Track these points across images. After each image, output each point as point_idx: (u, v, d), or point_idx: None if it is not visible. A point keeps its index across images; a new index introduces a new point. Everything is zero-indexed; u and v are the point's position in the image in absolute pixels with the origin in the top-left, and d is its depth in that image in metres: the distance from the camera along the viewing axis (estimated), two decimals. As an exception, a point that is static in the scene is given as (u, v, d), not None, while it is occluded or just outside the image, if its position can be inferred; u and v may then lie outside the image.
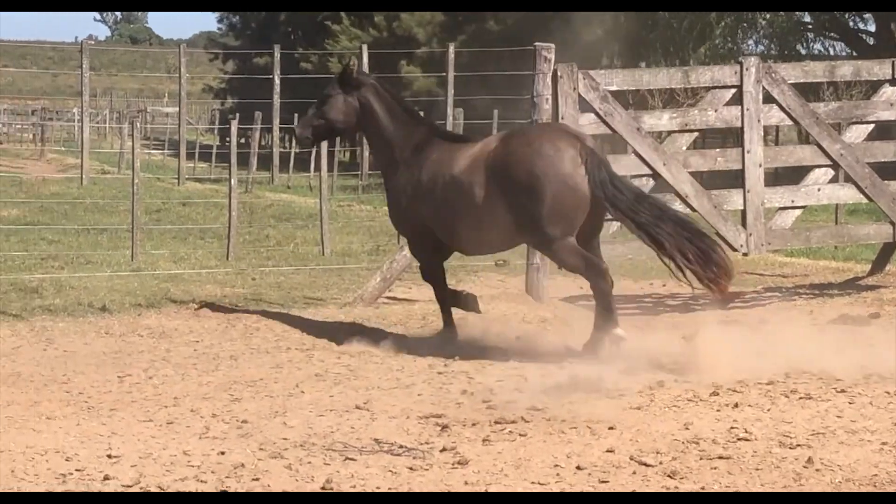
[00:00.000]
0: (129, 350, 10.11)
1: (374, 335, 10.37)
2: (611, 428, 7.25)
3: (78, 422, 7.60)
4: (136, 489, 6.17)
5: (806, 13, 36.62)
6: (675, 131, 12.31)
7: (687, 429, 7.28)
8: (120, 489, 6.17)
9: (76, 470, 6.46)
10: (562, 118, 11.70)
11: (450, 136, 10.81)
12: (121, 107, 56.45)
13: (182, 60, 20.65)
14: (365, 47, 21.24)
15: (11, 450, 6.78)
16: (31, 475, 6.36)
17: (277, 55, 20.25)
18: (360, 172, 30.94)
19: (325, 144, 15.03)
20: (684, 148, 12.34)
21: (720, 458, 6.71)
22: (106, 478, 6.31)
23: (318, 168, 16.88)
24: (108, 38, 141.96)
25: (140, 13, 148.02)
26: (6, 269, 14.11)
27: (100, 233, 17.93)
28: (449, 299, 10.41)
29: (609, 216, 9.90)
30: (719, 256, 9.45)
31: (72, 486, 6.18)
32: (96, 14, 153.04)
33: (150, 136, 49.49)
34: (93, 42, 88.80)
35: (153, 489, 6.18)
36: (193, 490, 6.17)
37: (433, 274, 10.43)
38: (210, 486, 6.22)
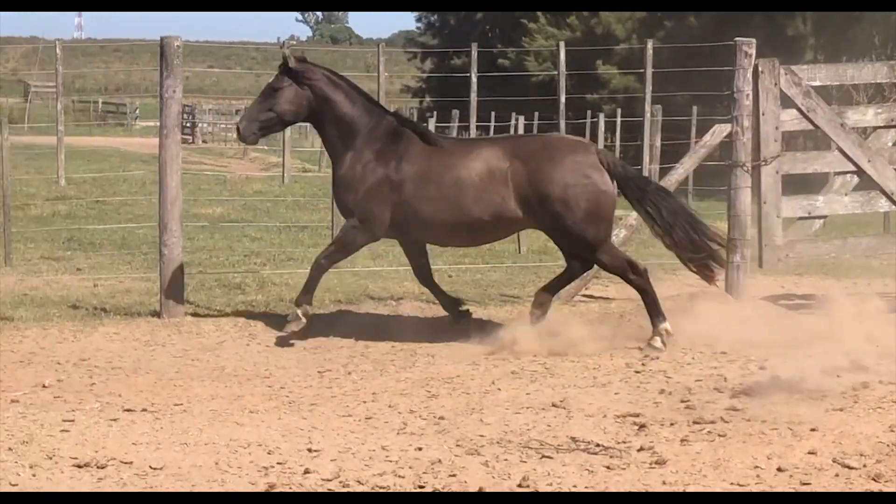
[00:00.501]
0: (328, 346, 10.26)
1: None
2: (813, 429, 7.10)
3: (279, 416, 7.72)
4: (335, 483, 6.25)
5: None
6: (880, 127, 12.01)
7: (892, 431, 7.09)
8: (319, 482, 6.25)
9: (278, 463, 6.56)
10: (763, 114, 11.52)
11: (421, 130, 10.78)
12: (321, 106, 57.23)
13: (380, 60, 20.82)
14: (562, 45, 21.17)
15: (216, 442, 6.92)
16: (235, 467, 6.49)
17: (475, 54, 20.32)
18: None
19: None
20: (890, 144, 12.02)
21: (927, 462, 6.53)
22: (306, 471, 6.40)
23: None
24: (309, 39, 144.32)
25: (340, 13, 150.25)
26: (211, 265, 14.43)
27: (301, 230, 18.21)
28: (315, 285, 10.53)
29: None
30: (716, 253, 10.33)
31: (273, 479, 6.28)
32: (298, 15, 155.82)
33: (350, 135, 50.14)
34: (294, 42, 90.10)
35: (352, 483, 6.25)
36: (391, 485, 6.23)
37: (344, 254, 10.61)
38: (408, 482, 6.27)
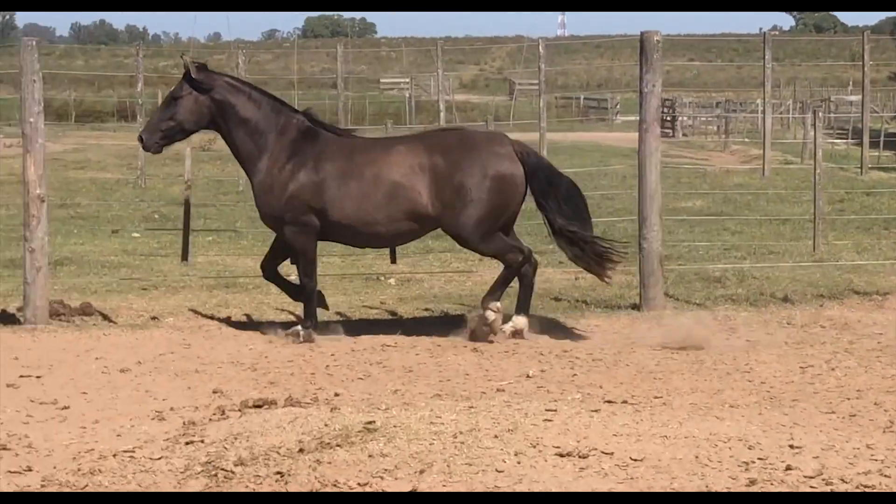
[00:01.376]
0: (811, 341, 10.08)
1: None
2: None
3: (760, 411, 7.65)
4: (817, 481, 6.12)
5: None
6: None
7: None
8: (801, 479, 6.14)
9: (758, 458, 6.49)
10: None
11: (333, 129, 10.68)
12: (804, 96, 56.19)
13: (865, 48, 20.20)
14: None
15: (695, 436, 6.91)
16: (715, 461, 6.46)
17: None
18: None
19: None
20: None
21: None
22: (788, 468, 6.30)
23: None
24: (792, 28, 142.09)
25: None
26: (691, 258, 14.45)
27: (782, 223, 17.95)
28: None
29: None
30: (610, 261, 10.39)
31: (754, 475, 6.22)
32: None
33: (834, 126, 49.01)
34: (776, 32, 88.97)
35: (836, 482, 6.11)
36: (876, 484, 6.05)
37: (313, 263, 10.49)
38: (893, 482, 6.07)
